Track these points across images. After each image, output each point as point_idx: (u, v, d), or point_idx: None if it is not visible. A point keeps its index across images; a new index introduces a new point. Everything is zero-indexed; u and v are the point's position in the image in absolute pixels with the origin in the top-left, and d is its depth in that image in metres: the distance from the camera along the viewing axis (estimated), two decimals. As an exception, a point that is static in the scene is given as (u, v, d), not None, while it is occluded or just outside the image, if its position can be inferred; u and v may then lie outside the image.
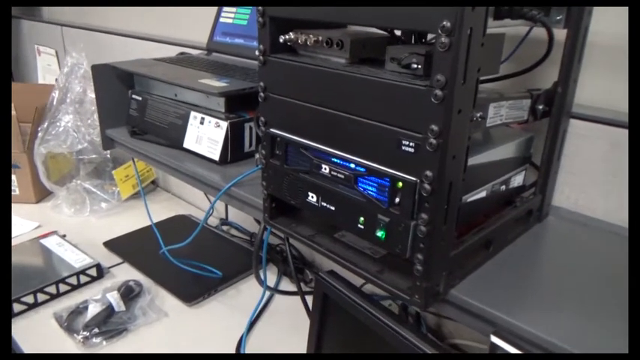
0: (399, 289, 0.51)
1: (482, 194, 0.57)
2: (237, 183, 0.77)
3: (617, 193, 0.67)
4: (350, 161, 0.50)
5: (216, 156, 0.84)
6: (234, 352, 0.92)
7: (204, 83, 0.85)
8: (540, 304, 0.50)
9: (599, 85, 0.69)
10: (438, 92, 0.40)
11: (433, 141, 0.42)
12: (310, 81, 0.52)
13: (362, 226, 0.51)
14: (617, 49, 0.67)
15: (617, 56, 0.67)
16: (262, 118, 0.59)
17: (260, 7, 0.54)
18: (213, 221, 1.40)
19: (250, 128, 0.87)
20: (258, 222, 1.23)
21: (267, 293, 1.06)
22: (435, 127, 0.42)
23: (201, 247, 1.16)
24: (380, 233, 0.48)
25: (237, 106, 0.88)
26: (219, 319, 1.01)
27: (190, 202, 1.53)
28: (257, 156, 0.84)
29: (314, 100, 0.52)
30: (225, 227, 1.37)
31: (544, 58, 0.56)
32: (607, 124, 0.66)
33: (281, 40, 0.54)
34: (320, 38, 0.52)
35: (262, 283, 0.74)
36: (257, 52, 0.56)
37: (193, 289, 1.07)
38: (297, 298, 0.89)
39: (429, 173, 0.43)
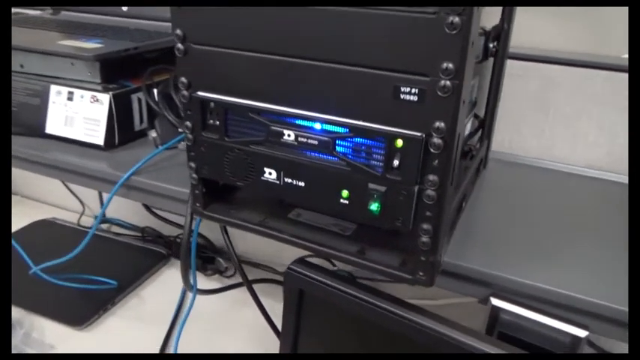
0: (394, 268, 0.43)
1: (453, 146, 0.51)
2: (136, 172, 0.61)
3: (549, 130, 0.68)
4: (325, 121, 0.39)
5: (99, 139, 0.65)
6: (155, 372, 0.77)
7: (68, 45, 0.65)
8: (522, 255, 0.47)
9: (525, 25, 0.67)
10: (455, 19, 0.32)
11: (447, 83, 0.33)
12: (254, 22, 0.39)
13: (346, 202, 0.41)
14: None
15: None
16: (183, 79, 0.44)
17: None
18: (86, 221, 1.16)
19: (139, 100, 0.69)
20: (151, 211, 1.04)
21: (180, 297, 0.90)
22: (449, 66, 0.33)
23: (82, 256, 0.94)
24: (374, 206, 0.39)
25: (116, 73, 0.69)
26: (124, 337, 0.83)
27: (48, 202, 1.25)
28: (153, 135, 0.68)
29: (266, 47, 0.40)
30: (104, 226, 1.15)
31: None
32: (541, 61, 0.65)
33: (203, -32, 0.40)
34: (259, -36, 0.39)
35: (192, 288, 0.60)
36: (169, -13, 0.41)
37: (82, 309, 0.87)
38: (216, 296, 0.76)
39: (440, 124, 0.35)
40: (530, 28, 0.68)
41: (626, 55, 0.65)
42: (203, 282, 0.95)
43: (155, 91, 0.69)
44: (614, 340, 0.60)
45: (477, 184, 0.62)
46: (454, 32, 0.32)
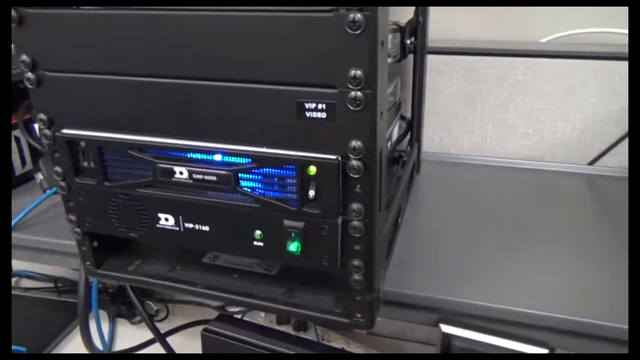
0: (328, 311, 0.36)
1: (380, 157, 0.45)
2: (18, 224, 0.51)
3: (478, 124, 0.65)
4: (222, 152, 0.32)
5: (-32, 192, 0.54)
6: None
7: None
8: (468, 273, 0.42)
9: (440, 17, 0.64)
10: (357, 16, 0.26)
11: (358, 94, 0.28)
12: (124, 38, 0.31)
13: (260, 244, 0.34)
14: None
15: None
16: (42, 115, 0.35)
17: None
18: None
19: (17, 139, 0.59)
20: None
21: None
22: (357, 73, 0.27)
23: (-20, 323, 0.81)
24: (293, 247, 0.33)
25: (-16, 110, 0.58)
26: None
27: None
28: (40, 177, 0.57)
29: (137, 70, 0.32)
30: (13, 280, 1.00)
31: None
32: (462, 54, 0.61)
33: (45, -24, 0.32)
34: (117, -33, 0.32)
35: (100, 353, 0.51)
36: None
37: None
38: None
39: (356, 144, 0.29)
40: (446, 19, 0.65)
41: (545, 39, 0.63)
42: (130, 331, 0.85)
43: (36, 126, 0.59)
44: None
45: (413, 191, 0.57)
46: (358, 32, 0.26)
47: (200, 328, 0.82)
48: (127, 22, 0.31)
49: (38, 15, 0.32)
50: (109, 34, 0.32)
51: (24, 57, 0.33)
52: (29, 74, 0.34)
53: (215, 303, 0.87)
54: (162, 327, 0.84)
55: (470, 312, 0.39)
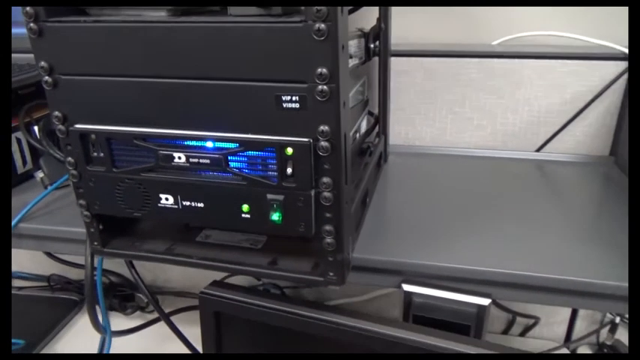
0: (305, 273, 0.43)
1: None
2: (23, 217, 0.56)
3: (438, 118, 0.73)
4: (214, 139, 0.39)
5: (-24, 189, 0.59)
6: None
7: None
8: (427, 239, 0.49)
9: (404, 23, 0.71)
10: (321, 26, 0.33)
11: (324, 87, 0.34)
12: (128, 46, 0.38)
13: (248, 216, 0.41)
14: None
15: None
16: (57, 113, 0.41)
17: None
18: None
19: (18, 141, 0.64)
20: (54, 257, 0.96)
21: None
22: (323, 70, 0.34)
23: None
24: (275, 216, 0.39)
25: (-13, 114, 0.63)
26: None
27: None
28: (40, 175, 0.63)
29: (140, 72, 0.38)
30: (4, 281, 1.04)
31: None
32: (422, 56, 0.69)
33: (61, -5, 0.38)
34: (121, -14, 0.38)
35: (104, 331, 0.57)
36: (25, 18, 0.38)
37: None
38: (139, 335, 0.72)
39: (324, 128, 0.36)
40: (409, 25, 0.72)
41: (496, 42, 0.71)
42: (124, 322, 0.90)
43: (36, 128, 0.64)
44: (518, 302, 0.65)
45: (381, 178, 0.65)
46: (322, 38, 0.33)
47: (191, 313, 0.88)
48: (130, 32, 0.37)
49: (55, 27, 0.38)
50: (115, 42, 0.38)
51: (42, 63, 0.39)
52: (47, 77, 0.40)
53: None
54: (152, 317, 0.90)
55: (427, 272, 0.46)
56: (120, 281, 0.97)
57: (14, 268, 1.04)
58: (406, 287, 0.47)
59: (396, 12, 0.68)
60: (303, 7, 0.33)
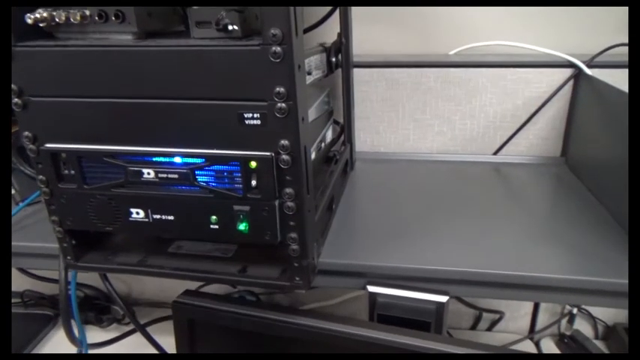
0: (274, 279, 0.45)
1: (313, 155, 0.55)
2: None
3: (401, 126, 0.76)
4: (181, 155, 0.41)
5: (-54, 208, 0.60)
6: None
7: None
8: (389, 242, 0.52)
9: (367, 36, 0.74)
10: (277, 49, 0.35)
11: (283, 105, 0.37)
12: (95, 69, 0.39)
13: (216, 226, 0.43)
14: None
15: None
16: (28, 133, 0.43)
17: (-22, -22, 0.37)
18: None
19: (-12, 158, 0.64)
20: (26, 272, 0.96)
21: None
22: (281, 90, 0.37)
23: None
24: (242, 226, 0.42)
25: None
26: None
27: None
28: (12, 191, 0.63)
29: (107, 93, 0.40)
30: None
31: (332, 11, 0.56)
32: (383, 66, 0.72)
33: (29, 21, 0.39)
34: (87, 12, 0.40)
35: (81, 343, 0.58)
36: (-7, 43, 0.40)
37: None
38: (116, 346, 0.73)
39: (284, 142, 0.38)
40: (371, 38, 0.75)
41: (453, 52, 0.75)
42: (100, 334, 0.90)
43: (6, 145, 0.65)
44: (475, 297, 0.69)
45: (348, 184, 0.67)
46: (279, 60, 0.36)
47: (166, 323, 0.89)
48: (97, 56, 0.39)
49: (23, 52, 0.40)
50: (83, 65, 0.40)
51: (12, 86, 0.41)
52: (16, 100, 0.41)
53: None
54: (128, 328, 0.90)
55: (389, 273, 0.49)
56: (94, 294, 0.97)
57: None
58: (371, 288, 0.49)
59: (357, 25, 0.72)
60: (260, 30, 0.36)
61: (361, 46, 0.72)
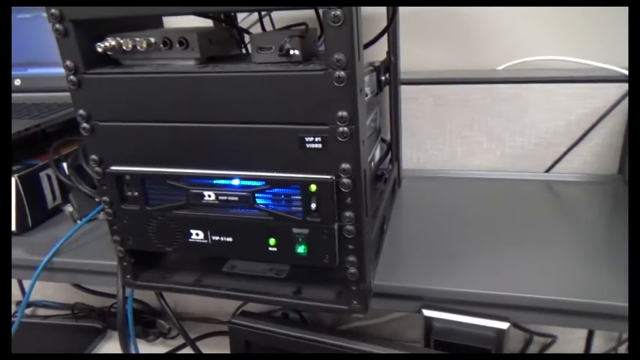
0: (330, 302, 0.45)
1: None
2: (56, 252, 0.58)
3: (448, 143, 0.75)
4: (241, 178, 0.41)
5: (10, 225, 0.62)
6: None
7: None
8: (445, 264, 0.51)
9: (413, 54, 0.74)
10: (341, 73, 0.35)
11: (345, 129, 0.37)
12: (159, 94, 0.41)
13: (274, 249, 0.43)
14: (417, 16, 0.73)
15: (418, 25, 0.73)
16: (94, 157, 0.44)
17: (54, 10, 0.39)
18: (6, 309, 1.07)
19: (48, 177, 0.67)
20: (78, 285, 0.99)
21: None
22: (344, 114, 0.37)
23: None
24: (301, 249, 0.42)
25: (19, 154, 0.66)
26: None
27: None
28: (69, 209, 0.66)
29: (171, 117, 0.41)
30: (28, 310, 1.06)
31: (384, 31, 0.56)
32: (430, 83, 0.71)
33: (99, 50, 0.41)
34: (153, 40, 0.41)
35: (135, 360, 0.59)
36: (65, 71, 0.41)
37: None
38: None
39: (345, 166, 0.38)
40: (418, 55, 0.75)
41: (501, 67, 0.74)
42: (146, 348, 0.92)
43: (65, 164, 0.67)
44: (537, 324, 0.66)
45: (395, 203, 0.67)
46: (342, 85, 0.36)
47: (212, 339, 0.90)
48: (160, 82, 0.40)
49: (92, 79, 0.42)
50: (147, 90, 0.41)
51: (81, 111, 0.43)
52: (84, 124, 0.43)
53: (225, 319, 0.95)
54: (175, 343, 0.92)
55: (446, 297, 0.48)
56: (141, 308, 0.99)
57: (38, 297, 1.07)
58: (426, 312, 0.48)
59: (404, 42, 0.71)
60: (321, 53, 0.36)
61: (408, 63, 0.71)
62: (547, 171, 0.73)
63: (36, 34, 0.82)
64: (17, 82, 0.84)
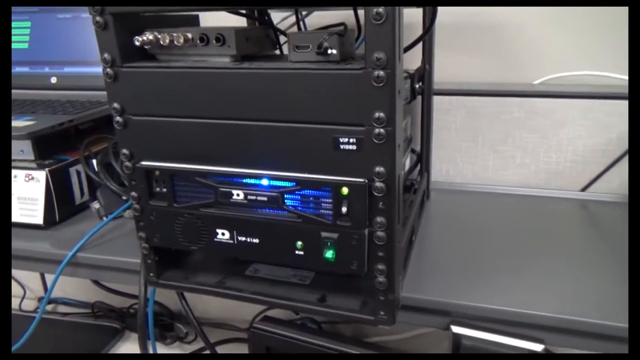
0: (355, 311, 0.43)
1: (395, 184, 0.53)
2: (80, 247, 0.58)
3: (480, 156, 0.73)
4: (272, 177, 0.40)
5: (37, 219, 0.63)
6: None
7: (-3, 126, 0.63)
8: (475, 280, 0.49)
9: (447, 63, 0.73)
10: (380, 73, 0.34)
11: (381, 130, 0.36)
12: (195, 90, 0.40)
13: (301, 252, 0.42)
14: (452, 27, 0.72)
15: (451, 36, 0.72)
16: (125, 151, 0.44)
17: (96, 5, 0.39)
18: (28, 304, 1.08)
19: (77, 173, 0.68)
20: (99, 284, 0.99)
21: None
22: (381, 115, 0.36)
23: (26, 344, 0.87)
24: (329, 254, 0.40)
25: (51, 148, 0.67)
26: None
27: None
28: (96, 206, 0.66)
29: (205, 113, 0.41)
30: (49, 307, 1.07)
31: (423, 36, 0.55)
32: (463, 94, 0.70)
33: (137, 44, 0.41)
34: (190, 35, 0.41)
35: (152, 361, 0.58)
36: (103, 64, 0.41)
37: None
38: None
39: (380, 169, 0.37)
40: (452, 66, 0.74)
41: (537, 81, 0.72)
42: (163, 352, 0.91)
43: (94, 161, 0.68)
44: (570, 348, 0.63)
45: (424, 215, 0.65)
46: (381, 85, 0.35)
47: (230, 345, 0.88)
48: (196, 77, 0.40)
49: (129, 72, 0.42)
50: (182, 86, 0.41)
51: (115, 105, 0.42)
52: (118, 118, 0.43)
53: (243, 325, 0.94)
54: (191, 348, 0.91)
55: (477, 314, 0.46)
56: (159, 310, 0.98)
57: (59, 294, 1.08)
58: (455, 329, 0.46)
59: (438, 52, 0.70)
60: (358, 53, 0.35)
61: (441, 75, 0.70)
62: (583, 190, 0.70)
63: (74, 33, 0.83)
64: (53, 80, 0.86)
